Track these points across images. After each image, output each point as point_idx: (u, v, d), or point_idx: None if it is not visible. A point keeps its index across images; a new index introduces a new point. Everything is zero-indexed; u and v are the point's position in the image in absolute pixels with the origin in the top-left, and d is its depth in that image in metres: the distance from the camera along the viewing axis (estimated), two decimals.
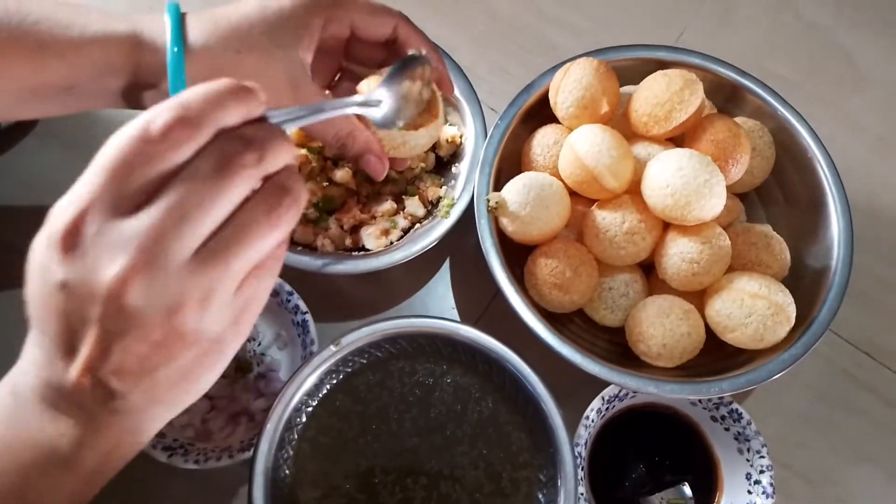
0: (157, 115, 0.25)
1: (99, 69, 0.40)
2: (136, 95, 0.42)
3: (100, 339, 0.25)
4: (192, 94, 0.26)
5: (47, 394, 0.29)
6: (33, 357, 0.29)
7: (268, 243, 0.27)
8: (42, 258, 0.26)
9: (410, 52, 0.45)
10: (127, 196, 0.25)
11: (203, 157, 0.25)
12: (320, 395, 0.51)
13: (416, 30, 0.47)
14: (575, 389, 0.53)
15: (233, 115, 0.27)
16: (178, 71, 0.39)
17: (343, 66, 0.50)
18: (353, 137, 0.44)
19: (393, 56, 0.48)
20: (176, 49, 0.39)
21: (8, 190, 0.61)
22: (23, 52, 0.39)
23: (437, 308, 0.60)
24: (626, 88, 0.58)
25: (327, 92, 0.50)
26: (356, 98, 0.42)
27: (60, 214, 0.25)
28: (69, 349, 0.27)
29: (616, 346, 0.56)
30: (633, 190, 0.53)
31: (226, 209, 0.26)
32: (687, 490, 0.52)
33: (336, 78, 0.50)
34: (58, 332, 0.27)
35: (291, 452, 0.49)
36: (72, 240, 0.25)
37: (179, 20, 0.40)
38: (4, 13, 0.39)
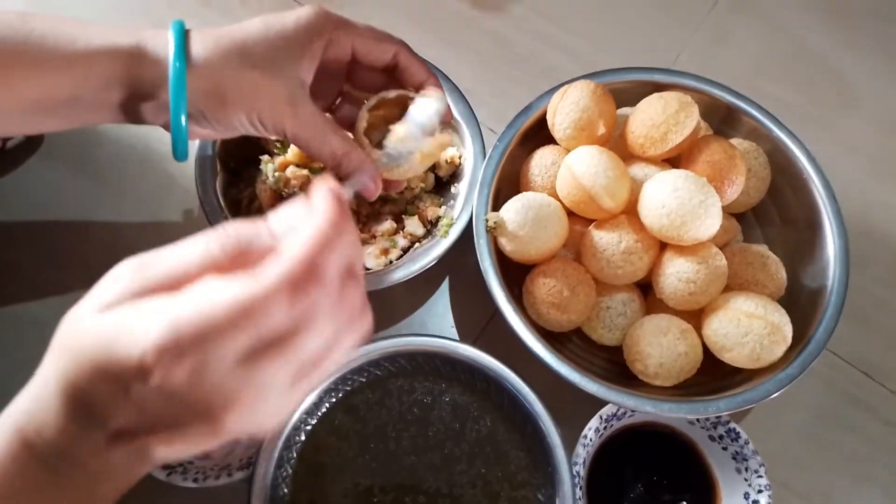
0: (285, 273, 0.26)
1: (103, 81, 0.41)
2: (135, 108, 0.43)
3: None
4: (312, 250, 0.26)
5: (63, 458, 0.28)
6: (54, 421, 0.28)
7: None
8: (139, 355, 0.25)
9: (427, 96, 0.47)
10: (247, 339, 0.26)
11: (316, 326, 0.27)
12: (319, 414, 0.51)
13: (417, 57, 0.48)
14: (573, 408, 0.53)
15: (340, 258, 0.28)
16: (179, 84, 0.40)
17: (344, 89, 0.50)
18: (349, 157, 0.45)
19: (392, 81, 0.49)
20: (178, 63, 0.40)
21: (13, 209, 0.62)
22: (28, 66, 0.40)
23: (437, 326, 0.61)
24: (623, 110, 0.59)
25: (328, 115, 0.50)
26: (382, 158, 0.47)
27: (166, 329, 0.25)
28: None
29: (614, 364, 0.57)
30: (630, 210, 0.54)
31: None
32: None
33: (337, 101, 0.51)
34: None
35: (290, 471, 0.49)
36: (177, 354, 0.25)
37: (183, 35, 0.41)
38: (10, 29, 0.40)
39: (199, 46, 0.41)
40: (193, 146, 0.58)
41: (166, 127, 0.43)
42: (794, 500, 0.57)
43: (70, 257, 0.61)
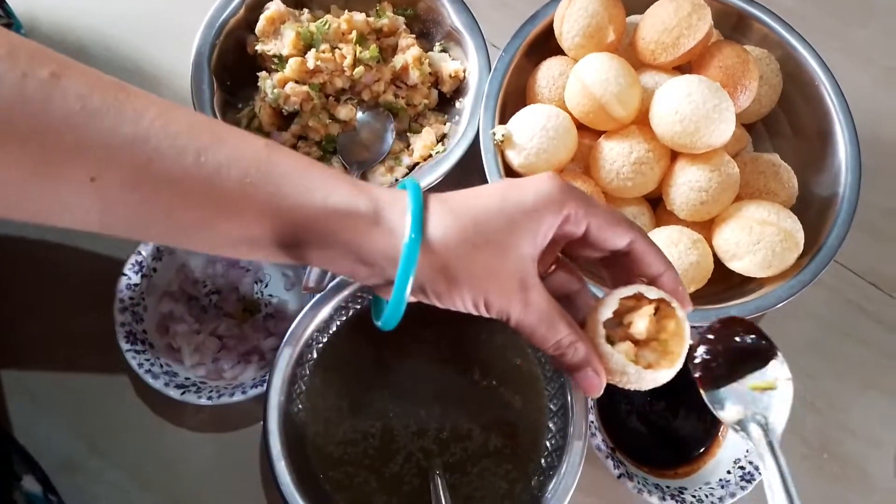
0: None
1: (330, 240, 0.37)
2: (351, 269, 0.38)
3: None
4: None
5: None
6: None
7: None
8: None
9: (648, 293, 0.39)
10: None
11: None
12: (331, 331, 0.51)
13: (653, 247, 0.42)
14: None
15: None
16: (410, 260, 0.36)
17: (559, 257, 0.45)
18: (576, 348, 0.40)
19: (615, 267, 0.43)
20: (414, 235, 0.36)
21: None
22: (259, 207, 0.35)
23: None
24: (632, 18, 0.57)
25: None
26: (626, 372, 0.39)
27: None
28: None
29: None
30: (641, 120, 0.53)
31: None
32: (779, 368, 0.43)
33: (552, 268, 0.45)
34: None
35: (304, 387, 0.49)
36: None
37: (421, 206, 0.37)
38: (254, 162, 0.35)
39: (437, 221, 0.37)
40: (184, 65, 0.56)
41: (377, 290, 0.40)
42: (800, 407, 0.58)
43: None
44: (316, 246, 0.37)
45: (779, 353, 0.41)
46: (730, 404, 0.41)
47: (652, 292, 0.40)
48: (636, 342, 0.40)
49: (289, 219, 0.36)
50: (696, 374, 0.42)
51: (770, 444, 0.39)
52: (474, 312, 0.40)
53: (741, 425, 0.40)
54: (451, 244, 0.37)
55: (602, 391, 0.41)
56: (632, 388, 0.41)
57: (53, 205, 0.33)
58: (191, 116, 0.35)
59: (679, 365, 0.40)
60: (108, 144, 0.32)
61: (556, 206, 0.38)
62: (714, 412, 0.41)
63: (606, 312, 0.40)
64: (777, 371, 0.41)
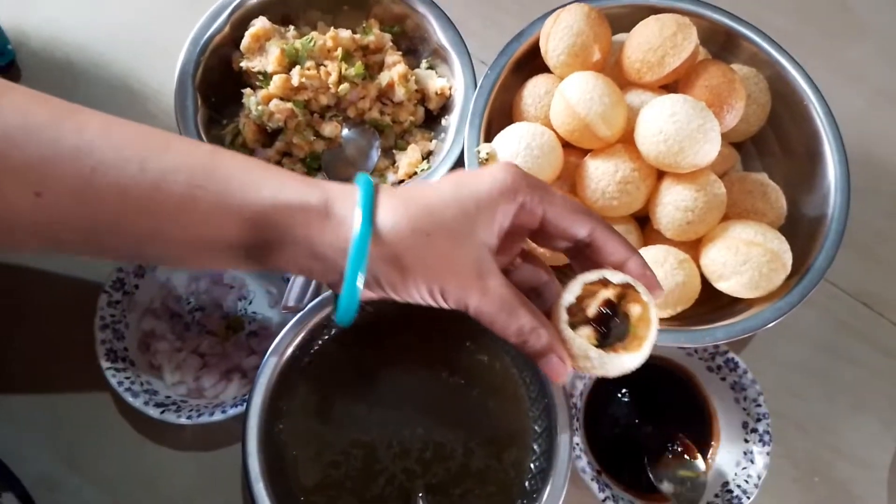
0: None
1: (282, 235, 0.37)
2: (303, 265, 0.38)
3: None
4: None
5: None
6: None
7: None
8: None
9: (612, 277, 0.39)
10: None
11: None
12: (311, 352, 0.50)
13: (615, 235, 0.42)
14: None
15: None
16: (361, 252, 0.36)
17: (526, 248, 0.45)
18: (538, 335, 0.40)
19: (581, 257, 0.43)
20: (363, 237, 0.36)
21: None
22: (206, 209, 0.35)
23: None
24: (618, 37, 0.57)
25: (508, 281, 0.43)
26: (588, 358, 0.39)
27: None
28: None
29: None
30: (626, 139, 0.52)
31: None
32: (700, 464, 0.51)
33: (517, 260, 0.45)
34: None
35: (284, 407, 0.49)
36: None
37: (371, 197, 0.37)
38: (199, 165, 0.35)
39: (388, 209, 0.37)
40: (171, 81, 0.55)
41: (333, 287, 0.39)
42: (790, 430, 0.57)
43: None
44: (273, 245, 0.37)
45: (699, 456, 0.52)
46: (666, 482, 0.51)
47: (617, 276, 0.40)
48: (606, 331, 0.40)
49: (240, 218, 0.36)
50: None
51: None
52: (432, 304, 0.39)
53: (673, 496, 0.51)
54: (402, 234, 0.37)
55: (568, 377, 0.41)
56: (599, 375, 0.41)
57: (1, 225, 0.33)
58: (134, 127, 0.35)
59: (646, 350, 0.40)
60: (51, 157, 0.32)
61: (511, 193, 0.38)
62: (655, 484, 0.51)
63: (569, 298, 0.40)
64: (701, 466, 0.52)
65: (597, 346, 0.39)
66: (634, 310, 0.40)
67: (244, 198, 0.36)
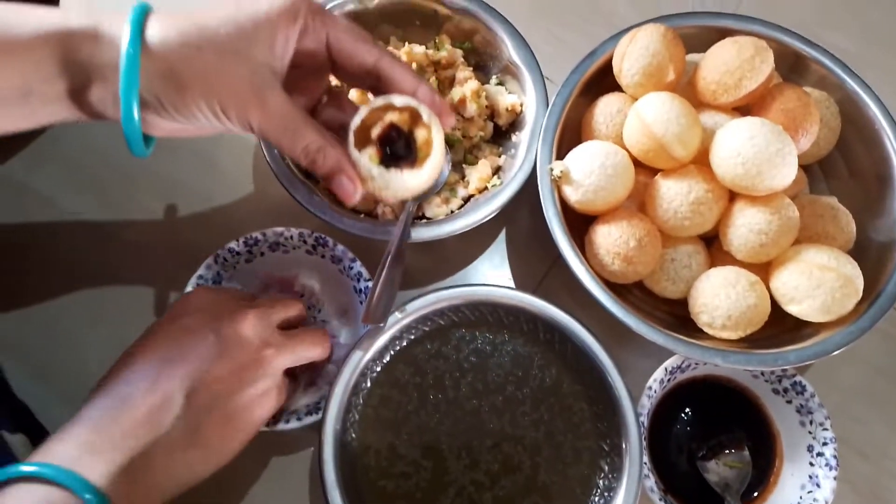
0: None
1: (55, 67, 0.37)
2: (89, 98, 0.38)
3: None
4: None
5: None
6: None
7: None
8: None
9: (396, 100, 0.42)
10: None
11: None
12: (384, 362, 0.51)
13: (402, 64, 0.44)
14: (630, 359, 0.53)
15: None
16: (132, 67, 0.36)
17: (331, 88, 0.47)
18: (325, 154, 0.41)
19: (378, 90, 0.44)
20: (132, 46, 0.36)
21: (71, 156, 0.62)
22: None
23: (494, 278, 0.60)
24: (690, 57, 0.57)
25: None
26: (374, 177, 0.42)
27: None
28: None
29: (673, 317, 0.56)
30: (698, 160, 0.53)
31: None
32: (747, 454, 0.52)
33: (323, 100, 0.46)
34: None
35: (357, 417, 0.50)
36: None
37: (142, 17, 0.37)
38: None
39: (158, 27, 0.37)
40: None
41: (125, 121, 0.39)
42: (852, 456, 0.57)
43: (124, 202, 0.61)
44: (67, 80, 0.37)
45: (746, 448, 0.53)
46: (712, 472, 0.53)
47: (400, 100, 0.42)
48: (396, 155, 0.42)
49: (13, 58, 0.36)
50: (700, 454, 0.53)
51: (731, 501, 0.51)
52: (219, 126, 0.40)
53: (717, 486, 0.52)
54: (173, 47, 0.37)
55: (357, 198, 0.43)
56: (389, 197, 0.44)
57: None
58: None
59: (427, 169, 0.42)
60: None
61: (290, 15, 0.39)
62: (702, 473, 0.53)
63: (356, 121, 0.42)
64: (746, 456, 0.53)
65: (384, 167, 0.42)
66: (420, 134, 0.43)
67: (9, 36, 0.36)
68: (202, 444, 0.41)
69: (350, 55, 0.42)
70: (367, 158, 0.42)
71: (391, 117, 0.42)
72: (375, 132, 0.42)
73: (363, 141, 0.43)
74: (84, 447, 0.38)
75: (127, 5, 0.38)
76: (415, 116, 0.43)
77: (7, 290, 0.58)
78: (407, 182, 0.42)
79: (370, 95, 0.49)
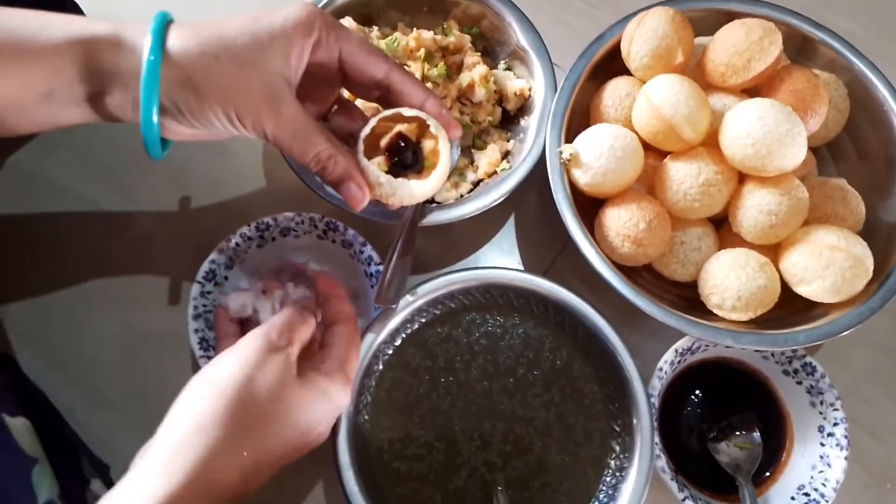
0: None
1: (77, 72, 0.38)
2: (110, 103, 0.40)
3: None
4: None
5: None
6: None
7: None
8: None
9: (405, 112, 0.43)
10: None
11: None
12: (395, 345, 0.52)
13: (411, 77, 0.45)
14: (640, 341, 0.53)
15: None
16: (152, 73, 0.38)
17: (342, 98, 0.48)
18: (335, 162, 0.42)
19: (386, 102, 0.46)
20: (153, 54, 0.38)
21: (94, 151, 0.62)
22: (9, 58, 0.37)
23: (503, 263, 0.60)
24: (698, 40, 0.57)
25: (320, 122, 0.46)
26: (382, 184, 0.43)
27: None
28: None
29: (682, 299, 0.56)
30: (707, 142, 0.53)
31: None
32: (757, 436, 0.53)
33: (333, 108, 0.48)
34: None
35: (370, 399, 0.50)
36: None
37: (163, 26, 0.39)
38: None
39: (178, 35, 0.39)
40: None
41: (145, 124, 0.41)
42: (862, 436, 0.57)
43: (136, 188, 0.61)
44: (86, 83, 0.39)
45: (756, 430, 0.54)
46: (723, 453, 0.53)
47: (410, 112, 0.44)
48: (404, 164, 0.44)
49: (37, 63, 0.38)
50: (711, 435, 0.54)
51: (742, 481, 0.51)
52: (234, 131, 0.41)
53: (728, 466, 0.52)
54: (192, 55, 0.38)
55: (365, 204, 0.44)
56: (395, 203, 0.45)
57: None
58: None
59: (434, 179, 0.44)
60: None
61: (305, 28, 0.40)
62: (713, 454, 0.53)
63: (366, 130, 0.44)
64: (756, 438, 0.53)
65: (391, 175, 0.43)
66: (428, 144, 0.45)
67: (34, 41, 0.38)
68: None
69: (361, 68, 0.43)
70: (375, 166, 0.43)
71: (400, 127, 0.44)
72: (384, 141, 0.44)
73: (372, 149, 0.44)
74: None
75: (148, 13, 0.39)
76: (422, 127, 0.44)
77: (20, 277, 0.58)
78: (413, 190, 0.44)
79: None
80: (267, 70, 0.39)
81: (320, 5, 0.58)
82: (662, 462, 0.50)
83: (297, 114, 0.41)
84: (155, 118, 0.39)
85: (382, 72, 0.44)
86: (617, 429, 0.50)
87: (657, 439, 0.49)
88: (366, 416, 0.49)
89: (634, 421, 0.49)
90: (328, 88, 0.45)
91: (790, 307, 0.54)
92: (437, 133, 0.44)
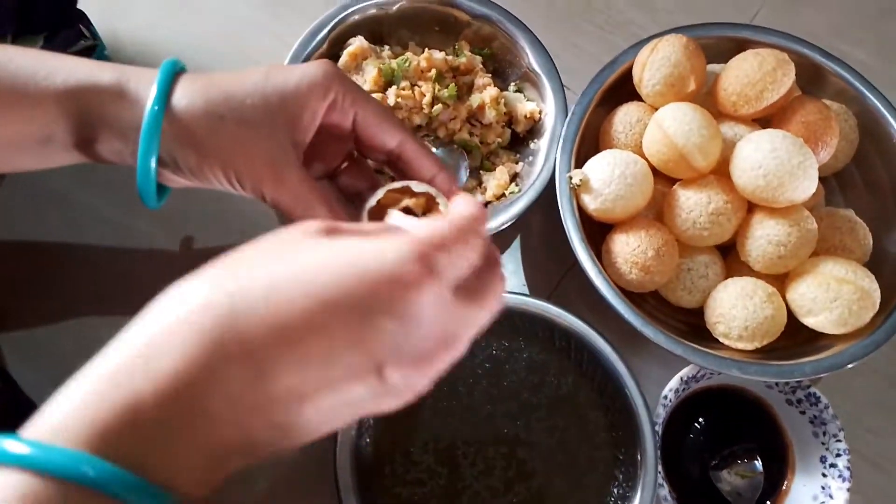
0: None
1: (77, 120, 0.38)
2: (110, 150, 0.39)
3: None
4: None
5: None
6: None
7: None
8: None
9: (414, 186, 0.41)
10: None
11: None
12: None
13: (425, 149, 0.43)
14: (645, 366, 0.53)
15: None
16: (152, 128, 0.36)
17: (354, 155, 0.46)
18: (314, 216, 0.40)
19: (399, 172, 0.44)
20: (157, 106, 0.36)
21: None
22: (7, 102, 0.37)
23: (508, 284, 0.60)
24: (709, 68, 0.57)
25: (327, 180, 0.45)
26: None
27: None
28: None
29: (689, 326, 0.56)
30: (717, 170, 0.53)
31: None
32: (759, 465, 0.53)
33: (344, 165, 0.45)
34: None
35: (371, 422, 0.50)
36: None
37: (170, 77, 0.37)
38: None
39: (186, 89, 0.37)
40: None
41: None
42: (865, 467, 0.57)
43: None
44: (82, 130, 0.38)
45: (758, 458, 0.54)
46: (724, 481, 0.53)
47: (420, 187, 0.41)
48: None
49: (39, 106, 0.37)
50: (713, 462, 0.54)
51: None
52: (232, 190, 0.40)
53: (730, 495, 0.52)
54: (196, 113, 0.37)
55: None
56: None
57: None
58: None
59: None
60: None
61: (321, 90, 0.38)
62: (714, 483, 0.53)
63: (372, 201, 0.41)
64: (758, 467, 0.53)
65: None
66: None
67: (37, 86, 0.37)
68: None
69: (374, 135, 0.42)
70: None
71: (407, 202, 0.42)
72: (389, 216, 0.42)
73: (377, 218, 0.42)
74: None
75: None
76: (430, 201, 0.42)
77: (17, 290, 0.58)
78: None
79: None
80: (273, 134, 0.38)
81: (332, 23, 0.57)
82: (665, 491, 0.49)
83: (299, 181, 0.39)
84: (152, 172, 0.38)
85: (396, 141, 0.42)
86: (621, 457, 0.50)
87: (660, 468, 0.49)
88: (367, 440, 0.49)
89: (638, 450, 0.49)
90: (339, 145, 0.44)
91: (795, 337, 0.54)
92: (446, 210, 0.42)
